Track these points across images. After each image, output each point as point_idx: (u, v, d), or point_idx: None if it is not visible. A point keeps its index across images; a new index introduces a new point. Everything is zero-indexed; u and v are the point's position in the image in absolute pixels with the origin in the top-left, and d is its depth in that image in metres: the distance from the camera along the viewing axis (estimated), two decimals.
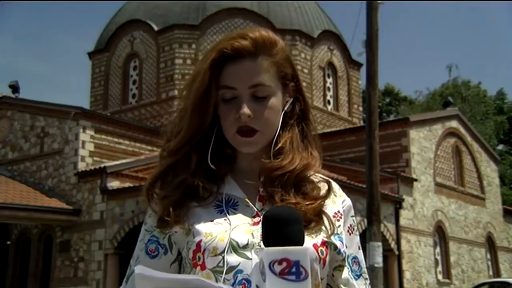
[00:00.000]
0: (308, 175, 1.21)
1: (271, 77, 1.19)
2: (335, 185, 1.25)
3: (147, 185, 1.22)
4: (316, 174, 1.24)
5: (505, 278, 18.86)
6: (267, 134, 1.19)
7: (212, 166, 1.20)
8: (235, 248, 1.09)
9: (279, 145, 1.20)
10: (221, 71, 1.18)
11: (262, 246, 1.03)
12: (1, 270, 16.61)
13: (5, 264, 16.67)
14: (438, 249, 18.57)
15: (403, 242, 16.64)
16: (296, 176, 1.18)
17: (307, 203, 1.15)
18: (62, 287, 14.93)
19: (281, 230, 1.00)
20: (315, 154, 1.23)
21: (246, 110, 1.15)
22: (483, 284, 17.70)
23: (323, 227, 1.15)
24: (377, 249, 10.11)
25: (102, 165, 14.92)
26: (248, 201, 1.18)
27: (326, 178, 1.25)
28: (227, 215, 1.16)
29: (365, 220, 10.90)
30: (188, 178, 1.18)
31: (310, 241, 1.10)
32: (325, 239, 1.14)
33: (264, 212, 1.14)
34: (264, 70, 1.18)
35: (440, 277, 18.27)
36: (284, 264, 0.96)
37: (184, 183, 1.19)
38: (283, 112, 1.22)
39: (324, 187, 1.22)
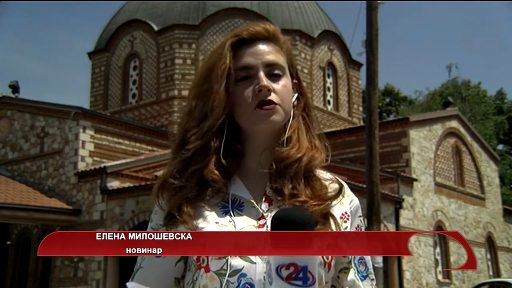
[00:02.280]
0: (316, 170, 1.21)
1: (283, 60, 1.24)
2: (345, 187, 1.25)
3: (161, 182, 1.22)
4: (328, 173, 1.24)
5: (505, 278, 18.85)
6: (284, 111, 1.20)
7: (223, 161, 1.19)
8: None
9: (289, 133, 1.20)
10: (236, 55, 1.22)
11: None
12: (1, 270, 16.60)
13: (5, 264, 16.66)
14: (438, 249, 18.56)
15: None
16: (306, 169, 1.18)
17: (314, 203, 1.14)
18: (62, 287, 14.92)
19: None
20: (318, 147, 1.23)
21: (266, 82, 1.18)
22: (483, 284, 17.69)
23: (329, 230, 1.14)
24: None
25: (102, 165, 14.91)
26: (254, 202, 1.17)
27: (338, 179, 1.25)
28: (232, 216, 1.15)
29: (365, 220, 10.91)
30: (202, 168, 1.17)
31: None
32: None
33: (269, 214, 1.14)
34: (277, 52, 1.24)
35: (440, 277, 18.27)
36: (292, 269, 0.95)
37: (197, 174, 1.18)
38: (292, 102, 1.24)
39: (333, 188, 1.21)
